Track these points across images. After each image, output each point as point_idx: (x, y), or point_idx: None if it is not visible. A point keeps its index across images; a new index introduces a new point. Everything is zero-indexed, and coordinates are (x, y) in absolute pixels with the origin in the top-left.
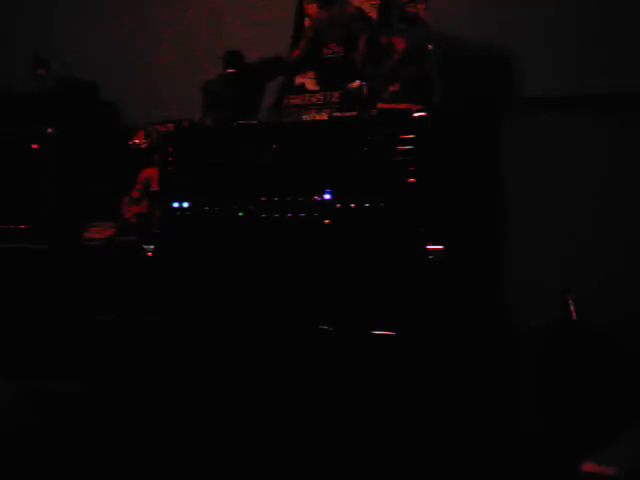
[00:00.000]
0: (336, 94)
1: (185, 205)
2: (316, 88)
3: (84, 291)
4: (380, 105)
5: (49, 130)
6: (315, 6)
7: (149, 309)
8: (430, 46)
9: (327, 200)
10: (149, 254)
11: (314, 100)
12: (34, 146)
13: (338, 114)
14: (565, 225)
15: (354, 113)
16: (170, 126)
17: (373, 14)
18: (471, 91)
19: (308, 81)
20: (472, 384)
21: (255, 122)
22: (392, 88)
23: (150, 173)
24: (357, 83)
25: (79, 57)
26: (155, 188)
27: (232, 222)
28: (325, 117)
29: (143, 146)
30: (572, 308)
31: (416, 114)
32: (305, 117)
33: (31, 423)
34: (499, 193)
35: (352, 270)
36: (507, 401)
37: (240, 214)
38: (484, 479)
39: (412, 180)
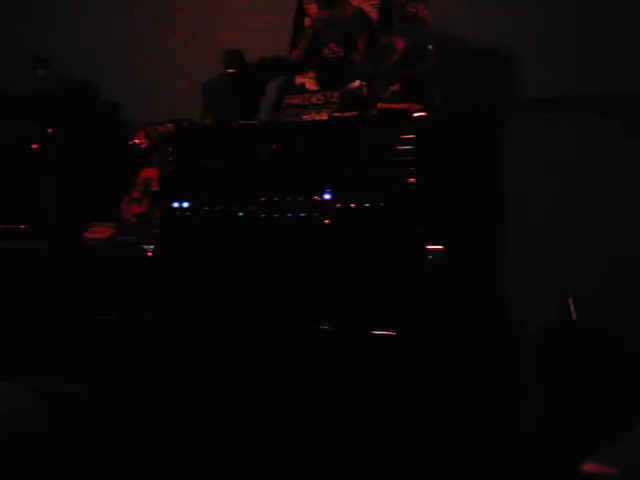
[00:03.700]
0: (336, 94)
1: (185, 205)
2: (316, 88)
3: (84, 291)
4: (380, 105)
5: (49, 130)
6: (315, 6)
7: (149, 309)
8: (430, 46)
9: (327, 200)
10: (149, 254)
11: (314, 100)
12: (34, 146)
13: (338, 114)
14: (565, 225)
15: (354, 113)
16: (170, 126)
17: (373, 14)
18: (471, 91)
19: (308, 81)
20: (472, 384)
21: (255, 122)
22: (392, 88)
23: (150, 173)
24: (357, 83)
25: (79, 57)
26: (155, 188)
27: (232, 222)
28: (325, 117)
29: (143, 146)
30: (572, 308)
31: (416, 114)
32: (305, 117)
33: (42, 424)
34: (499, 193)
35: (352, 270)
36: (507, 401)
37: (240, 214)
38: (485, 479)
39: (412, 180)
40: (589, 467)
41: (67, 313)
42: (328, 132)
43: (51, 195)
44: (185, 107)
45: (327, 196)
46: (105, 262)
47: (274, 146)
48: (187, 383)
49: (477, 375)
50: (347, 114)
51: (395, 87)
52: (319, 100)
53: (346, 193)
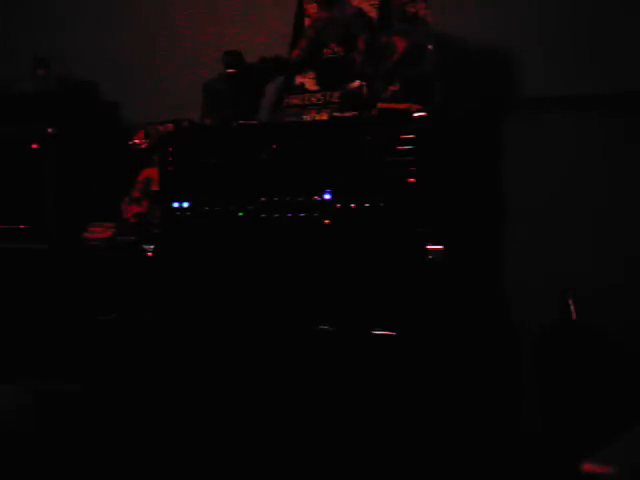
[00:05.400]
0: (336, 94)
1: (185, 205)
2: (316, 88)
3: (84, 291)
4: (380, 105)
5: (49, 130)
6: (315, 6)
7: (149, 309)
8: (430, 46)
9: (327, 200)
10: (149, 254)
11: (314, 100)
12: (34, 146)
13: (338, 114)
14: (565, 225)
15: (354, 113)
16: (170, 126)
17: (373, 14)
18: (472, 91)
19: (308, 81)
20: (473, 384)
21: (255, 122)
22: (392, 88)
23: (150, 173)
24: (357, 83)
25: (79, 57)
26: (155, 188)
27: (232, 222)
28: (325, 117)
29: (143, 146)
30: (572, 308)
31: (416, 114)
32: (305, 117)
33: (42, 424)
34: (499, 193)
35: (352, 270)
36: (508, 401)
37: (240, 214)
38: (485, 479)
39: (412, 180)
40: (589, 467)
41: (67, 313)
42: (328, 132)
43: (51, 195)
44: (185, 107)
45: (327, 196)
46: (105, 262)
47: (274, 146)
48: (187, 383)
49: (477, 375)
50: (347, 114)
51: (395, 87)
52: (319, 100)
53: (346, 193)
